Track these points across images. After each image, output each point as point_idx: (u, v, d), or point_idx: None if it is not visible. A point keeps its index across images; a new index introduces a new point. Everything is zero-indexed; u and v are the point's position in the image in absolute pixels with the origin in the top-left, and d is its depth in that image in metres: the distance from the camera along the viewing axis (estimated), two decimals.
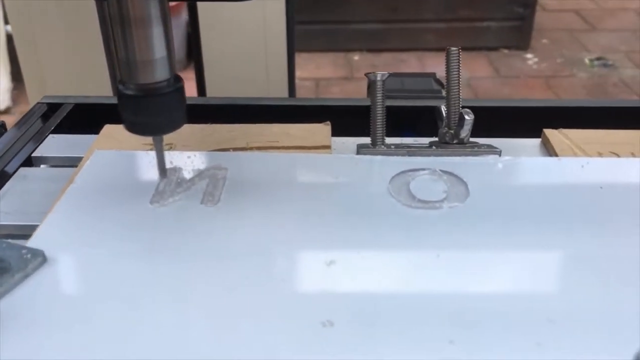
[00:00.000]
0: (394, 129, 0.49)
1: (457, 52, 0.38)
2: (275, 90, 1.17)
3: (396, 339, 0.25)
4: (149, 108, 0.31)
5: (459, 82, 0.39)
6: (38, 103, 0.53)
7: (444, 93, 0.60)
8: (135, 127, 0.32)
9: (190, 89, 1.20)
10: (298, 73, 2.32)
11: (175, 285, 0.28)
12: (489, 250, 0.31)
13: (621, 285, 0.28)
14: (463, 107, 0.40)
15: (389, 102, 0.53)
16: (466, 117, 0.38)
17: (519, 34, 2.58)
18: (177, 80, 0.32)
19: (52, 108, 0.52)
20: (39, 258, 0.29)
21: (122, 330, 0.26)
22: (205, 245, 0.31)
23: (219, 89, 1.15)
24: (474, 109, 0.48)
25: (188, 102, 0.56)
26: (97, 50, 0.97)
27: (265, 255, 0.30)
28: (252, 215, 0.33)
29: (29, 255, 0.29)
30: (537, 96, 2.22)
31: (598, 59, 2.36)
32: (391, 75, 0.61)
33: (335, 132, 0.44)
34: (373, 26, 2.52)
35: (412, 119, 0.51)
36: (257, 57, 1.15)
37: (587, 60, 2.44)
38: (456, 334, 0.26)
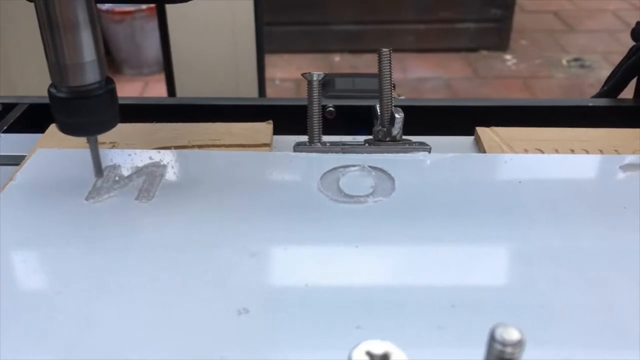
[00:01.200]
0: (345, 128, 0.51)
1: (387, 53, 0.40)
2: (245, 90, 1.19)
3: (307, 323, 0.27)
4: (80, 110, 0.32)
5: (390, 82, 0.40)
6: None
7: (393, 93, 0.62)
8: (68, 129, 0.33)
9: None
10: (279, 74, 2.34)
11: (101, 278, 0.30)
12: (404, 242, 0.32)
13: (525, 274, 0.30)
14: (396, 106, 0.41)
15: (341, 102, 0.54)
16: (396, 115, 0.40)
17: (498, 35, 2.61)
18: (109, 82, 0.33)
19: (7, 108, 0.53)
20: None
21: (55, 321, 0.27)
22: (135, 239, 0.32)
23: (190, 90, 1.16)
24: (413, 108, 0.50)
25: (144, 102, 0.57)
26: None
27: (192, 248, 0.32)
28: (183, 211, 0.34)
29: None
30: (515, 97, 2.25)
31: (575, 59, 2.39)
32: (343, 76, 0.63)
33: (287, 131, 0.46)
34: (354, 27, 2.55)
35: (363, 118, 0.53)
36: (227, 59, 1.16)
37: (564, 61, 2.48)
38: (363, 320, 0.27)
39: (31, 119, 0.53)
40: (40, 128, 0.48)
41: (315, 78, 0.40)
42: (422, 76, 2.40)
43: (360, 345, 0.18)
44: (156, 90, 2.15)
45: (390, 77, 0.40)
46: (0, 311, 0.27)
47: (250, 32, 1.18)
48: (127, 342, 0.26)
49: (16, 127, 0.51)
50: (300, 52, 2.51)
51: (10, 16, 0.99)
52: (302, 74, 0.41)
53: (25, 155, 0.43)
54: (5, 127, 0.50)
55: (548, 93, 2.24)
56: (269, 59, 2.43)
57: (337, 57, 2.50)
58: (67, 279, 0.30)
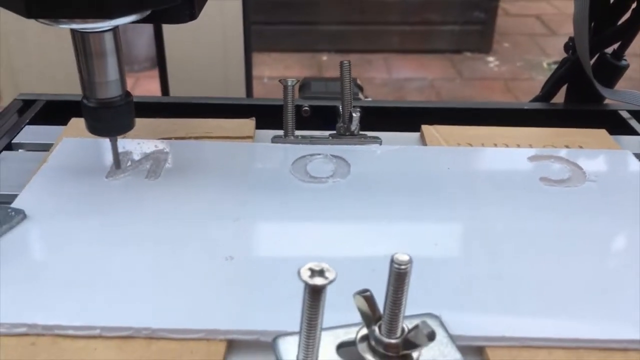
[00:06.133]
0: (318, 124, 0.60)
1: (348, 64, 0.49)
2: (233, 87, 1.28)
3: (276, 266, 0.36)
4: (105, 117, 0.41)
5: (350, 88, 0.50)
6: (15, 99, 0.63)
7: (360, 95, 0.72)
8: (95, 130, 0.42)
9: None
10: (268, 73, 2.41)
11: (115, 235, 0.39)
12: (355, 213, 0.42)
13: (444, 241, 0.40)
14: (357, 106, 0.51)
15: (316, 102, 0.64)
16: (354, 114, 0.49)
17: (481, 37, 2.69)
18: (128, 95, 0.42)
19: (27, 104, 0.62)
20: (21, 215, 0.40)
21: (78, 272, 0.36)
22: (146, 208, 0.42)
23: (182, 89, 1.25)
24: (374, 109, 0.60)
25: (149, 100, 0.66)
26: (68, 51, 1.06)
27: (188, 215, 0.41)
28: (183, 188, 0.44)
29: (13, 213, 0.39)
30: (496, 98, 2.35)
31: (555, 62, 2.49)
32: (318, 80, 0.72)
33: (267, 126, 0.55)
34: (341, 28, 2.62)
35: (334, 117, 0.62)
36: (217, 58, 1.25)
37: (545, 64, 2.58)
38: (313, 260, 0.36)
39: (48, 113, 0.62)
40: (56, 121, 0.57)
41: (289, 83, 0.50)
42: (406, 77, 2.49)
43: (305, 265, 0.28)
44: (146, 86, 2.22)
45: (350, 83, 0.50)
46: (39, 255, 0.37)
47: (239, 32, 1.26)
48: (139, 284, 0.35)
49: (36, 120, 0.60)
50: (289, 51, 2.59)
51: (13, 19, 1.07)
52: (279, 80, 0.51)
53: (47, 143, 0.52)
54: (27, 120, 0.59)
55: (529, 94, 2.33)
56: (258, 57, 2.51)
57: (324, 57, 2.58)
58: (90, 239, 0.39)
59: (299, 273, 0.27)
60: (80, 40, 0.39)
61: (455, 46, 2.68)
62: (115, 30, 0.40)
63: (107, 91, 0.41)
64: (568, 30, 0.63)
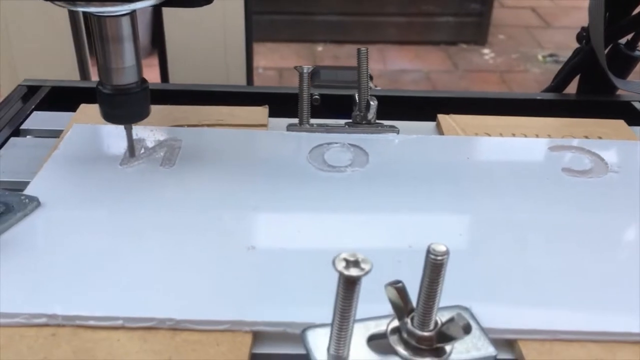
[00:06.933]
0: (328, 113, 0.59)
1: (365, 52, 0.48)
2: (234, 77, 1.26)
3: (298, 257, 0.36)
4: (121, 104, 0.40)
5: (367, 76, 0.49)
6: (19, 85, 0.62)
7: (371, 84, 0.71)
8: (110, 118, 0.41)
9: (155, 75, 1.27)
10: (263, 63, 2.39)
11: (134, 224, 0.38)
12: (374, 202, 0.41)
13: (464, 229, 0.39)
14: (371, 95, 0.50)
15: (326, 91, 0.63)
16: (371, 103, 0.48)
17: (477, 29, 2.69)
18: (144, 82, 0.41)
19: (31, 90, 0.61)
20: (35, 202, 0.38)
21: (94, 256, 0.35)
22: (161, 196, 0.41)
23: (182, 77, 1.23)
24: (388, 97, 0.59)
25: (152, 87, 0.65)
26: (66, 37, 1.04)
27: (206, 203, 0.40)
28: (199, 176, 0.43)
29: (27, 200, 0.38)
30: (492, 90, 2.34)
31: (550, 55, 2.49)
32: (327, 68, 0.71)
33: (278, 114, 0.54)
34: (337, 18, 2.61)
35: (344, 105, 0.61)
36: (217, 47, 1.23)
37: (540, 57, 2.58)
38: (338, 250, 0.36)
39: (53, 99, 0.61)
40: (61, 107, 0.55)
41: (305, 71, 0.49)
42: (402, 68, 2.48)
43: (339, 255, 0.27)
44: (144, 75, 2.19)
45: (367, 71, 0.49)
46: (53, 240, 0.36)
47: (240, 22, 1.24)
48: (160, 274, 0.34)
49: (41, 107, 0.59)
50: (284, 41, 2.57)
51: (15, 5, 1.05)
52: (295, 67, 0.50)
53: (55, 130, 0.51)
54: (33, 106, 0.58)
55: (523, 87, 2.34)
56: (254, 47, 2.49)
57: (320, 47, 2.57)
58: (108, 227, 0.38)
59: (333, 263, 0.26)
60: (97, 25, 0.38)
61: (450, 38, 2.67)
62: (132, 14, 0.38)
63: (122, 77, 0.39)
64: (563, 22, 0.62)
